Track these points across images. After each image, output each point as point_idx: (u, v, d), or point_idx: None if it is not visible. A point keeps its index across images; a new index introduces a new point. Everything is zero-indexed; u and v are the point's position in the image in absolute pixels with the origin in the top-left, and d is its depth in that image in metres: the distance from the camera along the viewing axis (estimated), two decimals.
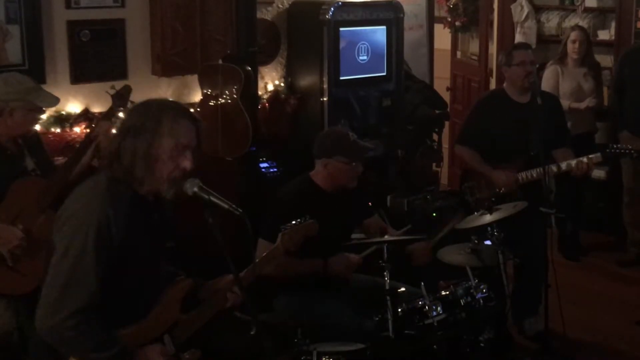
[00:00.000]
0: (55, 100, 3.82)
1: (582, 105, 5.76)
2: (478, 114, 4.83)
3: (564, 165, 4.45)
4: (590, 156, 4.44)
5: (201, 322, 2.83)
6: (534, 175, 4.46)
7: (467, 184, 4.71)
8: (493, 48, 7.44)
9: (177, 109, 2.68)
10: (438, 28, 7.54)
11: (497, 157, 4.59)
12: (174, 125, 2.60)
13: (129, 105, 3.98)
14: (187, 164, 2.64)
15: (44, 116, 4.45)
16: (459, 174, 5.10)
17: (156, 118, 2.59)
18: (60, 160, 4.18)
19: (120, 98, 3.95)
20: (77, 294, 2.48)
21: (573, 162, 4.44)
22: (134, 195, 2.62)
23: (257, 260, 2.95)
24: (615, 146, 4.50)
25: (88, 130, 4.06)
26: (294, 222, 3.21)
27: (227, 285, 2.89)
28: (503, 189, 4.50)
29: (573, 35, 5.94)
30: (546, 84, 5.84)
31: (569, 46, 5.93)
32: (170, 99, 2.79)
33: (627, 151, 4.43)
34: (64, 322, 2.46)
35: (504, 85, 4.76)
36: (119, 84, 4.13)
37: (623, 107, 5.82)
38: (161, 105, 2.67)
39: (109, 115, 3.87)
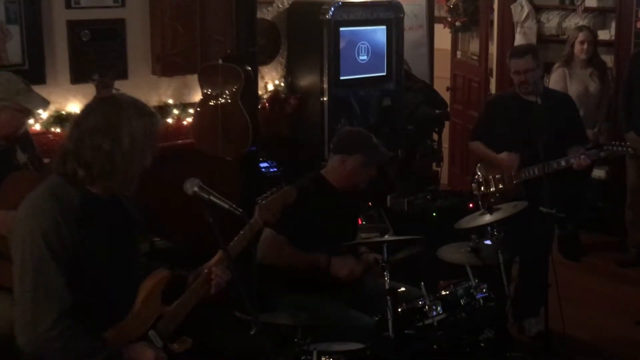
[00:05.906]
0: (44, 103, 3.78)
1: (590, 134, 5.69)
2: (488, 112, 4.89)
3: (563, 162, 4.46)
4: (587, 152, 4.47)
5: (186, 311, 2.78)
6: (536, 171, 4.47)
7: (477, 178, 4.73)
8: (493, 48, 7.43)
9: (138, 107, 2.64)
10: (438, 28, 7.55)
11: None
12: (137, 124, 2.56)
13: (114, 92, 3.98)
14: (147, 161, 2.62)
15: (44, 116, 4.46)
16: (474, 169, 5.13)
17: (119, 116, 2.55)
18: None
19: (104, 87, 3.94)
20: (49, 303, 2.44)
21: (572, 159, 4.46)
22: (84, 195, 2.57)
23: (235, 239, 2.90)
24: (613, 143, 4.52)
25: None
26: (269, 192, 3.10)
27: (209, 271, 2.83)
28: (505, 178, 4.56)
29: (581, 36, 5.91)
30: (555, 87, 5.81)
31: (577, 47, 5.90)
32: (128, 95, 2.73)
33: (622, 148, 4.44)
34: (47, 333, 2.43)
35: None
36: (119, 84, 4.13)
37: (631, 109, 5.75)
38: (122, 103, 2.62)
39: None
